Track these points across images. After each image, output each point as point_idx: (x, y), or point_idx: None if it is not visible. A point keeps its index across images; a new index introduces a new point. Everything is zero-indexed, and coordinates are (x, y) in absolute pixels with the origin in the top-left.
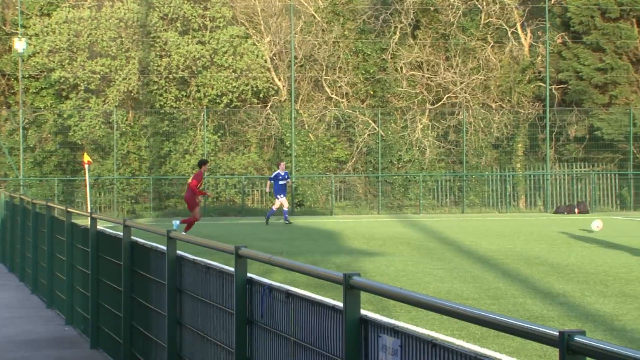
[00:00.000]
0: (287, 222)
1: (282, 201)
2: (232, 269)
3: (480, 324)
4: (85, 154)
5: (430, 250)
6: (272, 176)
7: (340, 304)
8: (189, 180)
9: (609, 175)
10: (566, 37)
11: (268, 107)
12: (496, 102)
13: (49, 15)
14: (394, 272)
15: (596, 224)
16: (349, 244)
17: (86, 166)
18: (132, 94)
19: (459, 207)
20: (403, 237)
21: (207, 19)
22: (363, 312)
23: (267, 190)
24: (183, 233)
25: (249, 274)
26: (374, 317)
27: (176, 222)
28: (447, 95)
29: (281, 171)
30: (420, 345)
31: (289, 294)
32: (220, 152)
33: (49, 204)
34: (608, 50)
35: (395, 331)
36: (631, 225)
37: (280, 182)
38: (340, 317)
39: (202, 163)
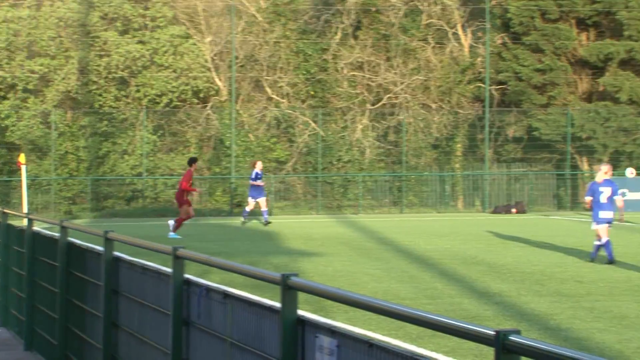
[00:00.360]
0: (266, 222)
1: (260, 202)
2: (169, 270)
3: (417, 324)
4: (22, 154)
5: (368, 250)
6: (252, 176)
7: (277, 305)
8: (180, 180)
9: (546, 175)
10: (506, 38)
11: (208, 107)
12: (436, 103)
13: None
14: (332, 273)
15: (630, 170)
16: (288, 245)
17: (23, 167)
18: (71, 94)
19: (398, 207)
20: (342, 238)
21: (148, 18)
22: (300, 312)
23: (262, 183)
24: (171, 234)
25: (186, 275)
26: (311, 318)
27: (171, 222)
28: (387, 96)
29: (259, 170)
30: (357, 345)
31: (226, 295)
32: (159, 152)
33: None
34: (547, 51)
35: (332, 331)
36: (568, 225)
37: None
38: (277, 317)
39: (191, 161)
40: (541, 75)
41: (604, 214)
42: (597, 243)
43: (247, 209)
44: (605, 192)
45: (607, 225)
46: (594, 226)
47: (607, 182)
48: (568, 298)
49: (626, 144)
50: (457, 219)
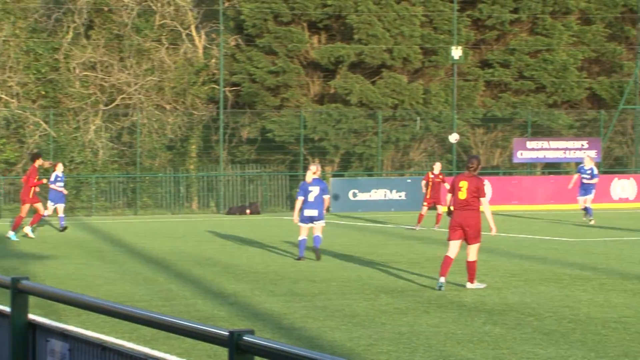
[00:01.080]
0: (62, 229)
1: (58, 207)
2: None
3: (151, 326)
4: None
5: (102, 252)
6: (52, 179)
7: (7, 309)
8: (23, 178)
9: (280, 176)
10: (240, 40)
11: None
12: (170, 104)
13: None
14: (65, 276)
15: (454, 136)
16: (19, 247)
17: None
18: None
19: (132, 209)
20: (75, 240)
21: None
22: (32, 316)
23: (64, 191)
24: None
25: None
26: (42, 322)
27: (12, 234)
28: (121, 97)
29: (59, 173)
30: (89, 348)
31: None
32: None
33: None
34: (280, 54)
35: (64, 335)
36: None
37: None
38: (7, 322)
39: (34, 157)
40: (274, 77)
41: (309, 212)
42: (318, 234)
43: (46, 213)
44: (314, 191)
45: (310, 223)
46: (300, 223)
47: (316, 182)
48: (301, 297)
49: (356, 145)
50: (192, 220)
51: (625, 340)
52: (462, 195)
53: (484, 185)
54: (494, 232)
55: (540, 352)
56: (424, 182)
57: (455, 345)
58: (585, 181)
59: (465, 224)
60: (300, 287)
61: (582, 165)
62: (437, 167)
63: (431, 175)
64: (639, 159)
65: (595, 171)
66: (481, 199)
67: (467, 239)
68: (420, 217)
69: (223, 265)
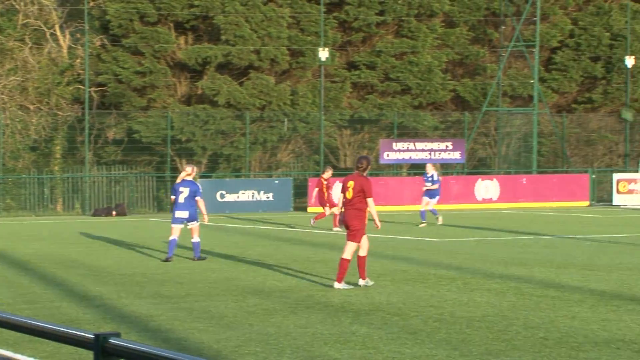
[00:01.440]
0: None
1: None
2: None
3: (14, 329)
4: None
5: None
6: None
7: None
8: None
9: (146, 177)
10: (105, 40)
11: None
12: (34, 104)
13: None
14: None
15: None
16: None
17: None
18: None
19: None
20: None
21: None
22: None
23: None
24: None
25: None
26: None
27: None
28: None
29: None
30: None
31: None
32: None
33: None
34: (147, 54)
35: None
36: (168, 226)
37: None
38: None
39: None
40: (141, 77)
41: (179, 214)
42: (195, 239)
43: None
44: (184, 192)
45: (181, 224)
46: (172, 224)
47: (186, 183)
48: (168, 299)
49: (224, 147)
50: (57, 222)
51: (489, 338)
52: (349, 194)
53: (370, 185)
54: (378, 228)
55: (406, 351)
56: (316, 190)
57: (322, 345)
58: (426, 188)
59: (348, 223)
60: (167, 288)
61: (425, 172)
62: (329, 172)
63: (324, 182)
64: (502, 160)
65: (436, 177)
66: (367, 199)
67: (347, 236)
68: (322, 215)
69: (88, 267)
